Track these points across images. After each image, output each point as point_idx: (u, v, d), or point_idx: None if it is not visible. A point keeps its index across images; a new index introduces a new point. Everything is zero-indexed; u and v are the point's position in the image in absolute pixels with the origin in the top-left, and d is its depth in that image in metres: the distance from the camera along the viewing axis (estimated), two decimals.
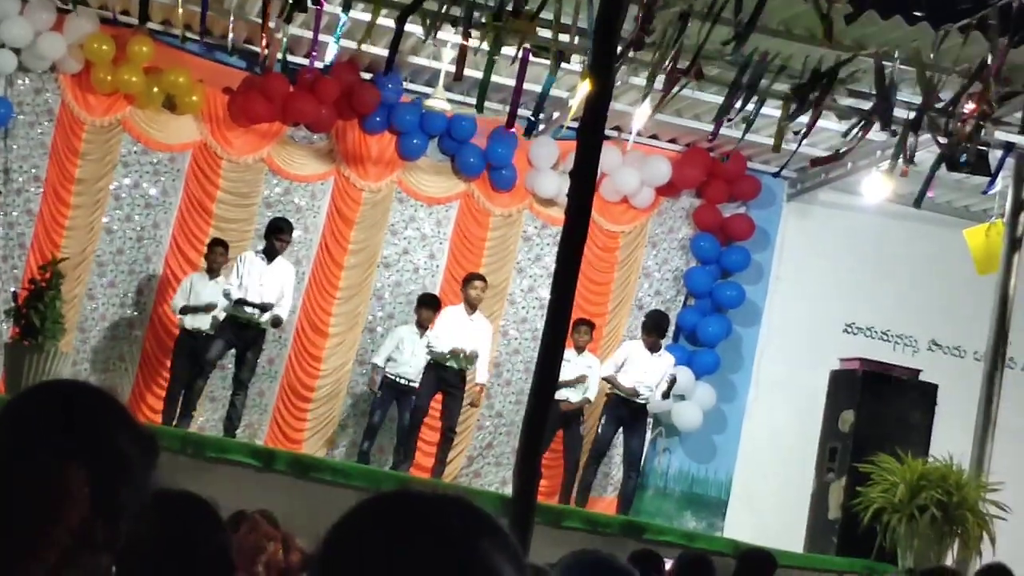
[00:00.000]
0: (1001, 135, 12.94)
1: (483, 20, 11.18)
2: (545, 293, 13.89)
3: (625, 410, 14.15)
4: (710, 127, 13.60)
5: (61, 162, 14.67)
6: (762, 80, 11.91)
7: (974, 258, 13.84)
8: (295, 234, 14.44)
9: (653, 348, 14.26)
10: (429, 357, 13.79)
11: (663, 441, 15.91)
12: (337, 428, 15.27)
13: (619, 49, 8.01)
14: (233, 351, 13.79)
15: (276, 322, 13.75)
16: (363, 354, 15.20)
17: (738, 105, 12.00)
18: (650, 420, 15.07)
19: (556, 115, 14.85)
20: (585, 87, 8.17)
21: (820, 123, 12.59)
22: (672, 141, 16.12)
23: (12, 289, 13.80)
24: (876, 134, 12.43)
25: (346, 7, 12.17)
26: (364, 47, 13.84)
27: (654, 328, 14.40)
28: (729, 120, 12.18)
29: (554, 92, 13.45)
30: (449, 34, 12.28)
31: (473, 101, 13.43)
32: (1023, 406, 14.74)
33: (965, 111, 11.61)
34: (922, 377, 14.02)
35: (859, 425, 13.52)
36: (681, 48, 11.03)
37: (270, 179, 15.26)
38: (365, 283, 15.43)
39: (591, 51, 7.12)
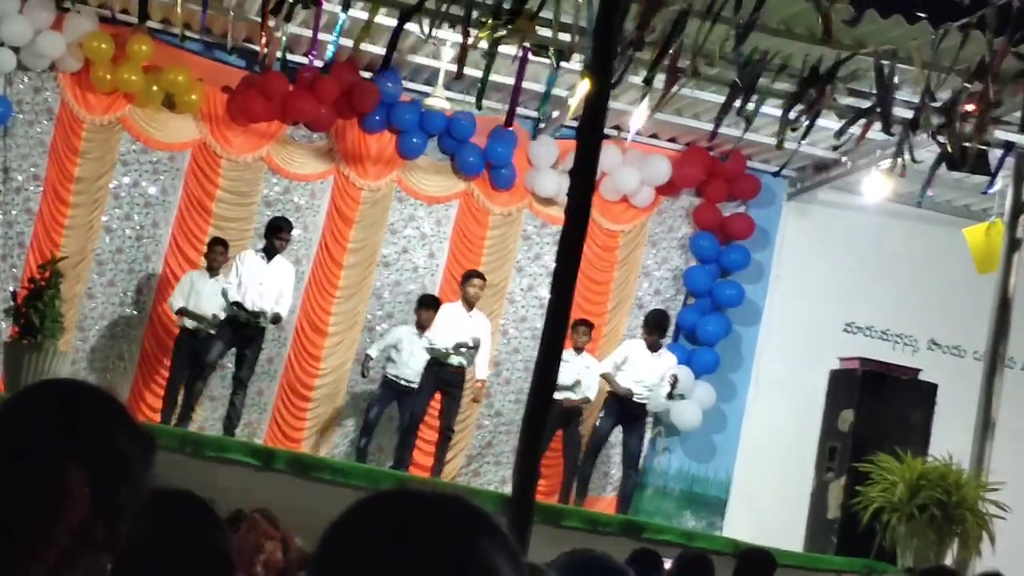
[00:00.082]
0: (1001, 134, 12.94)
1: (483, 20, 11.17)
2: (545, 292, 13.89)
3: (624, 409, 14.14)
4: (710, 126, 13.60)
5: (60, 161, 14.66)
6: (761, 79, 11.91)
7: (974, 257, 13.83)
8: (294, 233, 14.44)
9: (654, 347, 14.25)
10: (429, 355, 13.79)
11: (663, 440, 15.91)
12: (337, 428, 15.26)
13: (619, 48, 8.02)
14: (233, 350, 13.79)
15: (276, 319, 13.75)
16: (362, 353, 15.19)
17: (738, 104, 11.99)
18: (649, 419, 15.07)
19: (556, 114, 14.86)
20: (584, 86, 8.16)
21: (820, 122, 12.59)
22: (672, 140, 16.12)
23: (11, 288, 13.79)
24: (875, 133, 12.42)
25: (345, 6, 12.16)
26: (364, 46, 13.85)
27: (655, 327, 14.40)
28: (739, 114, 12.14)
29: (554, 91, 13.45)
30: (449, 33, 12.28)
31: (473, 100, 13.43)
32: (1022, 406, 14.74)
33: (967, 110, 11.60)
34: (922, 376, 14.02)
35: (859, 424, 13.52)
36: (681, 47, 11.03)
37: (269, 178, 15.26)
38: (364, 282, 15.43)
39: (590, 50, 7.12)
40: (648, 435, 15.34)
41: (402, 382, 14.02)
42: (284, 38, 13.66)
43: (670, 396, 14.47)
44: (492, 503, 9.75)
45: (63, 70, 14.57)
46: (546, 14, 11.00)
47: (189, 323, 13.84)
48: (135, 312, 14.91)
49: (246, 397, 14.04)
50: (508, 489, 7.11)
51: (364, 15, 12.79)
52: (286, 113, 14.97)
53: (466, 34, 11.29)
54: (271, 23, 12.63)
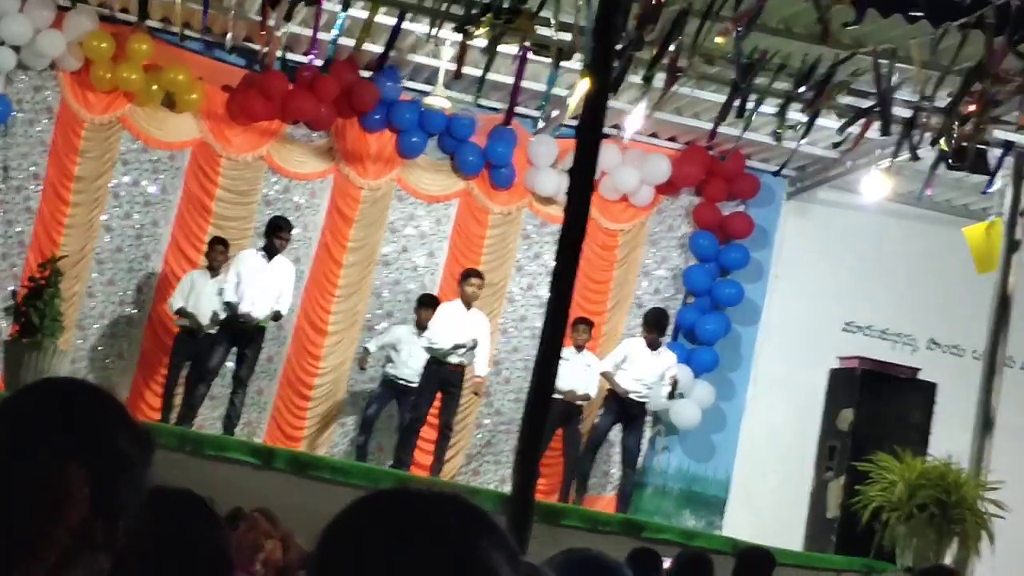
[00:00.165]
0: (1000, 134, 12.94)
1: (482, 19, 11.18)
2: (544, 291, 13.87)
3: (623, 408, 14.15)
4: (709, 125, 13.60)
5: (60, 160, 14.66)
6: (762, 78, 11.91)
7: (974, 257, 13.83)
8: (294, 232, 14.44)
9: (653, 345, 14.25)
10: (429, 355, 13.78)
11: (662, 439, 15.91)
12: (337, 426, 15.26)
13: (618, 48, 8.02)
14: (233, 349, 13.79)
15: (276, 316, 13.75)
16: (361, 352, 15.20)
17: (737, 104, 11.99)
18: (648, 418, 15.07)
19: (555, 113, 14.86)
20: (584, 85, 8.16)
21: (820, 121, 12.60)
22: (671, 139, 16.12)
23: (11, 287, 13.79)
24: (875, 133, 12.43)
25: (345, 5, 12.17)
26: (364, 45, 13.85)
27: (655, 325, 14.40)
28: (738, 116, 12.14)
29: (553, 90, 13.45)
30: (449, 32, 12.28)
31: (473, 99, 13.44)
32: (1022, 405, 14.74)
33: (966, 110, 11.61)
34: (921, 376, 14.02)
35: (858, 424, 13.52)
36: (681, 46, 11.03)
37: (269, 177, 15.25)
38: (364, 281, 15.43)
39: (590, 49, 7.13)
40: (647, 434, 15.34)
41: (401, 381, 14.03)
42: (284, 37, 13.66)
43: (670, 396, 14.47)
44: (492, 502, 9.76)
45: (63, 69, 14.57)
46: (546, 13, 11.02)
47: (187, 323, 13.84)
48: (135, 311, 14.91)
49: (246, 396, 14.04)
50: (508, 488, 7.11)
51: (363, 14, 12.79)
52: (286, 112, 14.97)
53: (465, 33, 11.30)
54: (271, 22, 12.63)
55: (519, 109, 14.06)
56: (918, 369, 14.18)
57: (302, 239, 15.07)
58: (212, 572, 3.11)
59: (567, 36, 11.28)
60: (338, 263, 15.31)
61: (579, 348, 14.22)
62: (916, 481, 12.42)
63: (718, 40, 10.92)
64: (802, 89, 11.80)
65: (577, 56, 11.71)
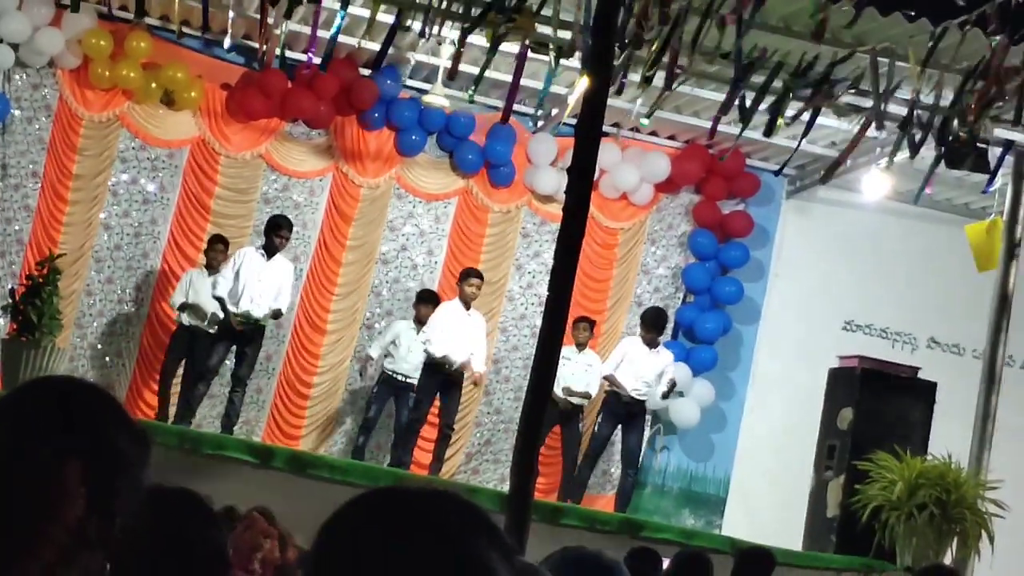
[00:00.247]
0: (1000, 132, 12.93)
1: (482, 18, 11.16)
2: (544, 290, 13.83)
3: (623, 408, 14.14)
4: (709, 124, 13.59)
5: (59, 158, 14.65)
6: (760, 76, 11.90)
7: (974, 255, 13.82)
8: (293, 230, 14.42)
9: (651, 344, 14.25)
10: (426, 356, 13.77)
11: (661, 438, 15.90)
12: (335, 425, 15.27)
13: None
14: (232, 348, 13.78)
15: (276, 315, 13.74)
16: (361, 351, 15.19)
17: (737, 102, 11.98)
18: (648, 417, 15.06)
19: (555, 111, 14.85)
20: (584, 84, 8.16)
21: (820, 120, 12.58)
22: (671, 138, 16.12)
23: (9, 285, 13.78)
24: (875, 132, 12.41)
25: (344, 3, 12.15)
26: (363, 43, 13.84)
27: (653, 324, 14.40)
28: (740, 119, 12.12)
29: (553, 88, 13.45)
30: (448, 30, 12.27)
31: (473, 98, 13.44)
32: (1022, 404, 14.74)
33: (967, 108, 11.60)
34: (921, 375, 14.01)
35: (857, 423, 13.50)
36: (680, 45, 11.02)
37: (268, 175, 15.25)
38: (363, 279, 15.42)
39: (589, 48, 7.12)
40: (647, 433, 15.33)
41: (399, 376, 14.02)
42: (283, 35, 13.64)
43: (665, 396, 14.46)
44: (492, 501, 9.74)
45: (62, 67, 14.56)
46: (545, 11, 11.00)
47: (187, 320, 13.82)
48: (133, 309, 14.90)
49: (245, 395, 14.03)
50: (507, 487, 7.10)
51: (362, 12, 12.78)
52: (285, 110, 14.97)
53: (464, 32, 11.28)
54: (270, 20, 12.61)
55: (517, 107, 14.05)
56: (918, 368, 14.17)
57: (301, 237, 15.06)
58: (210, 571, 3.11)
59: (567, 34, 11.26)
60: (337, 261, 15.31)
61: (580, 347, 14.21)
62: (916, 480, 12.41)
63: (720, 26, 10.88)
64: (804, 88, 11.78)
65: (576, 54, 11.70)
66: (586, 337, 14.37)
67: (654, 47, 10.91)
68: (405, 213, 15.58)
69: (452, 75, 12.36)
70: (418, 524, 1.61)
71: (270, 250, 13.72)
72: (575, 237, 6.51)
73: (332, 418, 15.26)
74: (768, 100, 12.26)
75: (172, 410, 13.70)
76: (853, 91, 11.93)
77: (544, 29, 11.35)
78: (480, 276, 14.21)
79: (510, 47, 12.00)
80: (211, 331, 13.69)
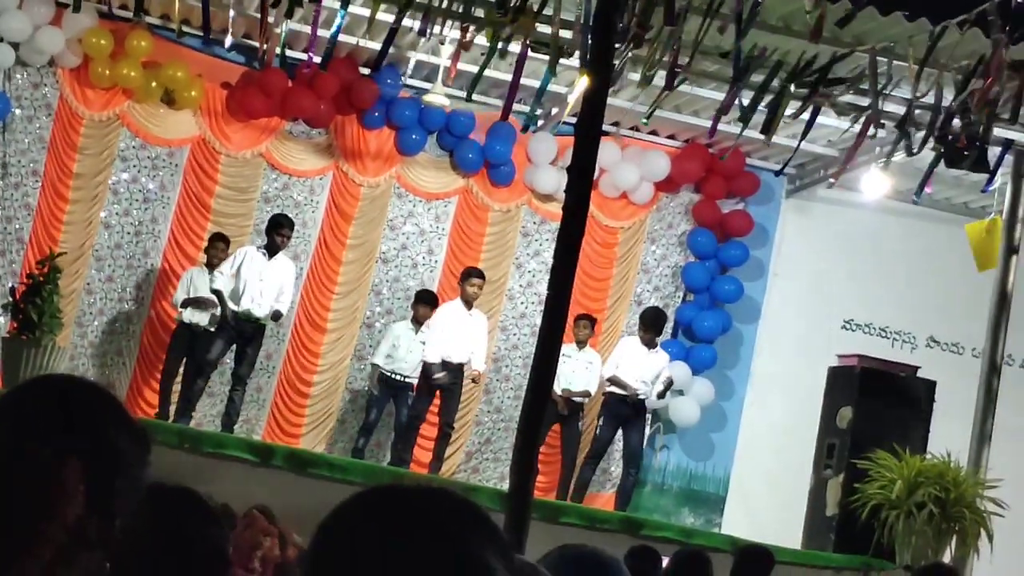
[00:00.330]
0: (1000, 131, 12.93)
1: (484, 16, 11.16)
2: (544, 289, 13.84)
3: (624, 408, 14.14)
4: (709, 123, 13.59)
5: (59, 157, 14.65)
6: (760, 76, 11.90)
7: (973, 254, 13.83)
8: (294, 229, 14.43)
9: (649, 344, 14.26)
10: (424, 358, 13.78)
11: (661, 437, 15.90)
12: (335, 424, 15.26)
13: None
14: (232, 347, 13.79)
15: (276, 316, 13.75)
16: (361, 350, 15.20)
17: (737, 102, 11.98)
18: (648, 416, 15.06)
19: (555, 111, 14.85)
20: (583, 83, 8.16)
21: (820, 119, 12.58)
22: (671, 137, 16.12)
23: (10, 284, 13.79)
24: (874, 130, 12.41)
25: (344, 3, 12.15)
26: (363, 42, 13.84)
27: (651, 324, 14.41)
28: (740, 119, 12.12)
29: (552, 88, 13.44)
30: (449, 29, 12.27)
31: (474, 97, 13.44)
32: (1021, 403, 14.74)
33: (967, 108, 11.60)
34: (920, 374, 14.01)
35: (857, 421, 13.51)
36: (680, 44, 11.02)
37: (268, 174, 15.24)
38: (363, 278, 15.42)
39: (589, 47, 7.13)
40: (647, 432, 15.33)
41: (398, 377, 14.02)
42: (284, 34, 13.64)
43: (660, 396, 14.46)
44: (492, 499, 9.74)
45: (62, 66, 14.56)
46: (546, 11, 11.00)
47: (188, 318, 13.81)
48: (134, 308, 14.90)
49: (245, 393, 14.03)
50: (507, 485, 7.11)
51: (362, 11, 12.77)
52: (285, 109, 14.97)
53: (464, 31, 11.29)
54: (270, 19, 12.61)
55: (517, 107, 14.04)
56: (917, 367, 14.17)
57: (301, 236, 15.05)
58: (209, 569, 3.11)
59: (568, 33, 11.27)
60: (337, 260, 15.31)
61: (581, 344, 14.22)
62: (915, 479, 12.42)
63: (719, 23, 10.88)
64: (787, 85, 11.78)
65: (576, 53, 11.70)
66: (587, 335, 14.37)
67: (654, 47, 10.91)
68: (405, 212, 15.59)
69: (452, 73, 12.33)
70: (416, 522, 1.61)
71: (272, 249, 13.73)
72: (575, 236, 6.51)
73: (332, 416, 15.25)
74: (767, 99, 12.27)
75: (172, 409, 13.71)
76: (852, 91, 11.94)
77: (544, 29, 11.34)
78: (482, 276, 14.22)
79: (512, 47, 11.99)
80: (211, 330, 13.70)
